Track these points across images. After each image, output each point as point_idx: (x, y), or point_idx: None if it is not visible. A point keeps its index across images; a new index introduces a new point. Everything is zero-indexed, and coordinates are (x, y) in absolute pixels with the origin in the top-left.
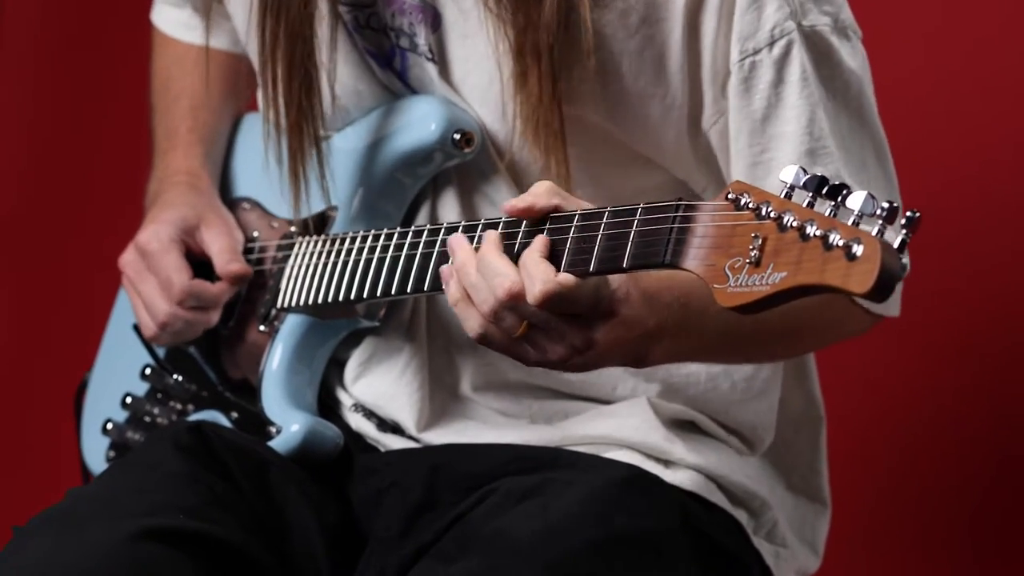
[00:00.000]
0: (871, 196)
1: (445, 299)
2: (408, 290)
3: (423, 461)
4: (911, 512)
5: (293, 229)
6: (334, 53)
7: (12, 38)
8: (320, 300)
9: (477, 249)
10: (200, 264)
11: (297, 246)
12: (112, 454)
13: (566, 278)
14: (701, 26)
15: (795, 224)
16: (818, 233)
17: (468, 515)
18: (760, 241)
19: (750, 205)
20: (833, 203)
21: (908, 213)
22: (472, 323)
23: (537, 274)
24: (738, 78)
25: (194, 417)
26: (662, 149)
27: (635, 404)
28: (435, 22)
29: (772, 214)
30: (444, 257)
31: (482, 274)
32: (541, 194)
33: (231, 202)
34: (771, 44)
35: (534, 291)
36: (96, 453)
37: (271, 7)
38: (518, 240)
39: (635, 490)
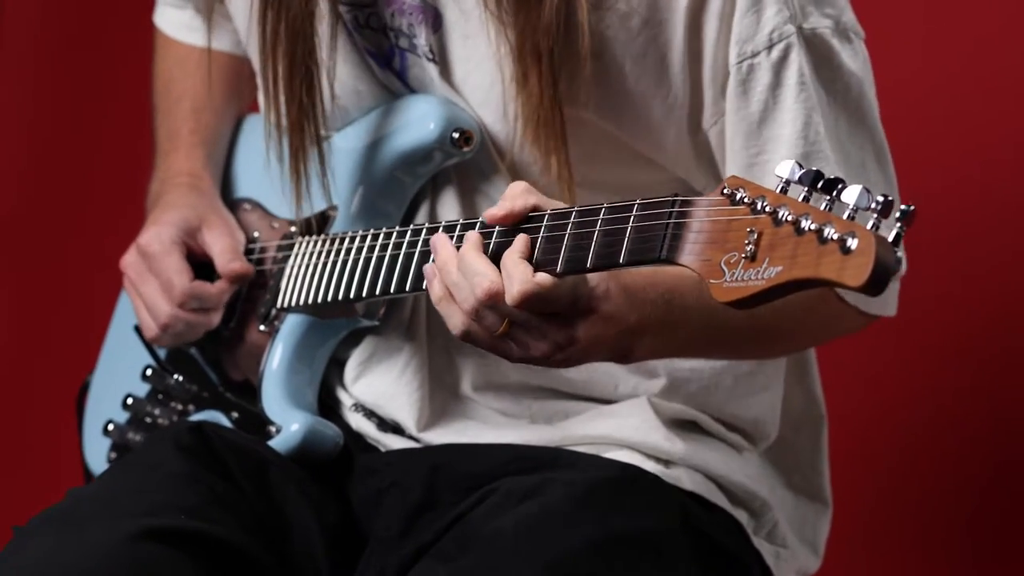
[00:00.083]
0: (866, 190)
1: None
2: (407, 288)
3: (423, 461)
4: (911, 512)
5: (293, 229)
6: (334, 52)
7: (12, 38)
8: (320, 299)
9: (459, 248)
10: (202, 265)
11: (297, 246)
12: (113, 455)
13: (543, 278)
14: (703, 27)
15: (790, 218)
16: (813, 227)
17: (468, 515)
18: (755, 236)
19: (746, 200)
20: (828, 198)
21: (903, 207)
22: (455, 321)
23: (516, 274)
24: (736, 80)
25: (195, 417)
26: (663, 149)
27: (635, 404)
28: (436, 22)
29: (767, 209)
30: None
31: (463, 273)
32: (517, 196)
33: (232, 203)
34: (769, 47)
35: (512, 291)
36: (97, 454)
37: (272, 4)
38: (493, 239)
39: (635, 490)
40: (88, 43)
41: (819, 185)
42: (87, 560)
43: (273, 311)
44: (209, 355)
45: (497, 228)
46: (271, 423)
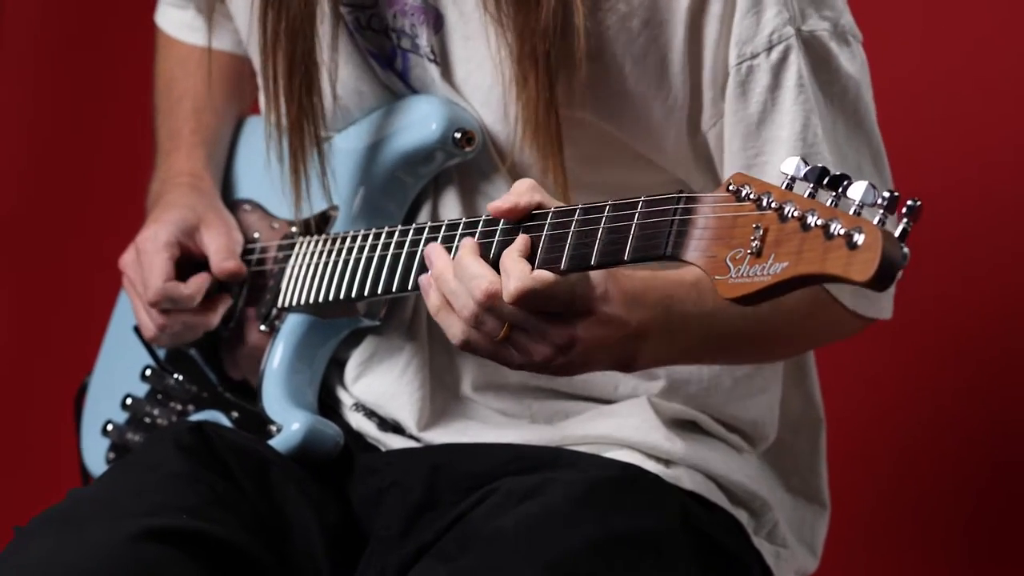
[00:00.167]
0: (872, 186)
1: None
2: (408, 288)
3: (424, 461)
4: (909, 513)
5: (294, 230)
6: (335, 53)
7: (12, 38)
8: (321, 299)
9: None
10: (201, 265)
11: (298, 246)
12: (112, 455)
13: (541, 274)
14: (703, 29)
15: (796, 214)
16: (819, 223)
17: (469, 515)
18: (761, 232)
19: (751, 196)
20: (834, 194)
21: (909, 202)
22: (454, 330)
23: (514, 271)
24: (735, 81)
25: (194, 417)
26: (663, 150)
27: (635, 404)
28: (437, 23)
29: (773, 204)
30: None
31: (459, 279)
32: (523, 192)
33: (232, 204)
34: (769, 49)
35: (509, 288)
36: (96, 454)
37: (272, 4)
38: (492, 249)
39: (636, 490)
40: (88, 43)
41: (825, 181)
42: (88, 560)
43: (274, 311)
44: (209, 355)
45: (496, 237)
46: (271, 423)
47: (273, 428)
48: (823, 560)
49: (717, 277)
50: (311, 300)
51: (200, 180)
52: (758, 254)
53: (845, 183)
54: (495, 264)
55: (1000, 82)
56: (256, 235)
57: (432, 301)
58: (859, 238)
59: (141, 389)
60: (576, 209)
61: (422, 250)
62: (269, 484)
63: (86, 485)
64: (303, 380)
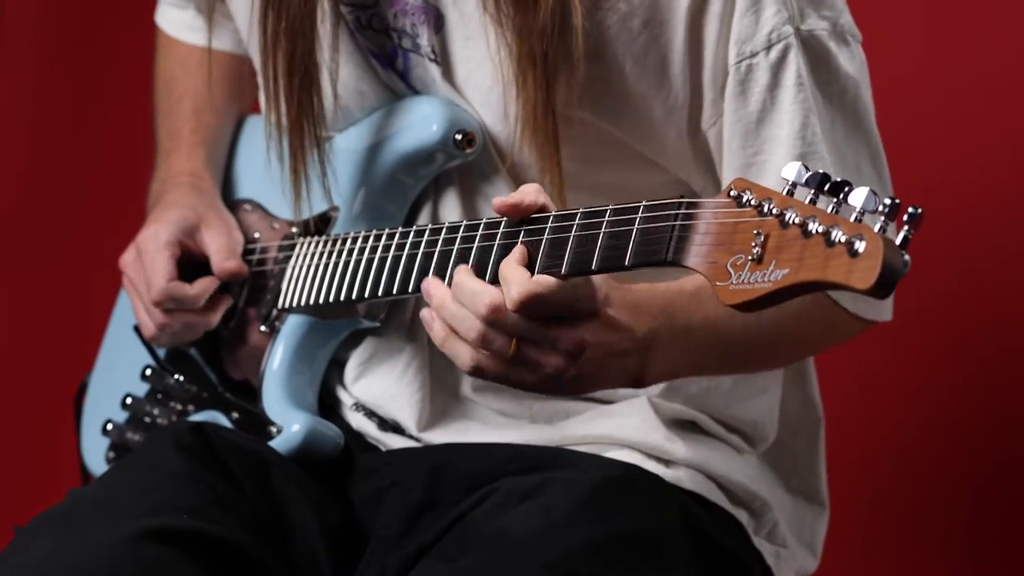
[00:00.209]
0: (873, 193)
1: None
2: (409, 290)
3: (424, 461)
4: (908, 513)
5: (294, 230)
6: (336, 53)
7: (12, 38)
8: (321, 300)
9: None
10: (202, 264)
11: (298, 247)
12: (111, 455)
13: (542, 278)
14: (703, 28)
15: (797, 221)
16: (820, 230)
17: (469, 515)
18: (762, 238)
19: (752, 202)
20: (835, 200)
21: (910, 209)
22: (463, 356)
23: (514, 278)
24: (734, 80)
25: (195, 417)
26: (663, 150)
27: (635, 404)
28: (438, 23)
29: (774, 211)
30: (445, 257)
31: (460, 301)
32: (528, 192)
33: (233, 204)
34: (768, 48)
35: (511, 295)
36: (95, 454)
37: (272, 4)
38: (488, 270)
39: (636, 490)
40: (88, 43)
41: (826, 187)
42: (88, 560)
43: (274, 312)
44: (209, 355)
45: (496, 241)
46: (272, 423)
47: (273, 429)
48: (823, 560)
49: (718, 283)
50: (311, 301)
51: (200, 180)
52: (759, 260)
53: (846, 189)
54: (493, 282)
55: (1000, 82)
56: (256, 235)
57: (437, 332)
58: (860, 245)
59: (141, 389)
60: (577, 213)
61: (422, 252)
62: (269, 484)
63: (86, 485)
64: (303, 381)
